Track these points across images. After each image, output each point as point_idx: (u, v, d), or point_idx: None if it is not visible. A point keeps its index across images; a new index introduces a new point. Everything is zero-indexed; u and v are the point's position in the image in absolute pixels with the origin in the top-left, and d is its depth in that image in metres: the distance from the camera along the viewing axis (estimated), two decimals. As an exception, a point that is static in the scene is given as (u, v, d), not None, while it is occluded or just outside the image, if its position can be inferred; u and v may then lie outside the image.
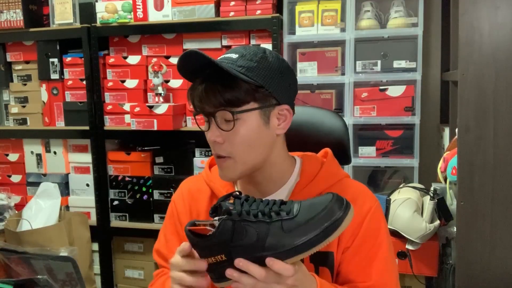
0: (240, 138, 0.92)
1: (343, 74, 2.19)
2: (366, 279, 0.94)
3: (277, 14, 2.18)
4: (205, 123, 0.97)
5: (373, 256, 0.95)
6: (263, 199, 0.82)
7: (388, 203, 1.97)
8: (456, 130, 1.48)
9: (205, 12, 2.24)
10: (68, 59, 2.44)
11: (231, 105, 0.90)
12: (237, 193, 0.83)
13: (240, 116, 0.91)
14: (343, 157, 1.17)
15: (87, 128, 2.41)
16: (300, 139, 1.08)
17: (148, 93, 2.39)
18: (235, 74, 0.88)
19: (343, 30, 2.17)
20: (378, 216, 0.99)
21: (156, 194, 2.40)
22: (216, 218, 0.78)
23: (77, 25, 2.40)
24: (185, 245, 0.82)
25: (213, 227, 0.78)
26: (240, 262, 0.77)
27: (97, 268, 2.52)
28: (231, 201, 0.81)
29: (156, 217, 2.41)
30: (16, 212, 2.41)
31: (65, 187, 2.51)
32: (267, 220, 0.77)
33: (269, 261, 0.76)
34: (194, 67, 0.92)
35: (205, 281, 0.82)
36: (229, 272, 0.78)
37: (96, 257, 2.51)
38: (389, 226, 1.86)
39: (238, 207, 0.78)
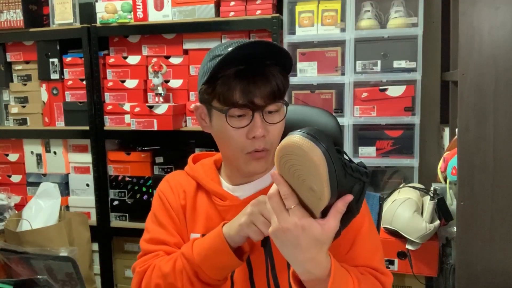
0: (279, 130, 0.96)
1: (343, 74, 2.19)
2: (351, 256, 0.95)
3: (277, 14, 2.18)
4: (236, 119, 0.93)
5: (356, 231, 0.96)
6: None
7: (381, 200, 1.97)
8: (456, 130, 1.48)
9: (205, 12, 2.24)
10: (68, 59, 2.44)
11: (281, 97, 0.94)
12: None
13: (283, 108, 0.96)
14: None
15: (87, 128, 2.41)
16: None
17: (148, 93, 2.39)
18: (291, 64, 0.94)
19: (343, 30, 2.17)
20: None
21: (156, 194, 2.40)
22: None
23: (77, 25, 2.40)
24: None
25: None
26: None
27: (97, 268, 2.51)
28: None
29: (156, 217, 2.41)
30: (16, 212, 2.41)
31: (65, 187, 2.51)
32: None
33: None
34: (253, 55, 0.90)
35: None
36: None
37: (96, 257, 2.51)
38: (389, 226, 1.86)
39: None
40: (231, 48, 0.89)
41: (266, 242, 0.98)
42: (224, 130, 0.94)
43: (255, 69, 0.91)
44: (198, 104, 1.02)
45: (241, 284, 0.99)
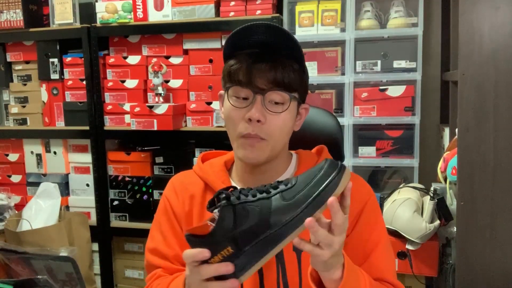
0: (281, 123, 0.93)
1: (343, 74, 2.19)
2: (367, 267, 0.95)
3: (277, 14, 2.18)
4: (239, 100, 0.94)
5: (373, 244, 0.98)
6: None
7: (381, 201, 1.98)
8: (456, 130, 1.48)
9: (205, 12, 2.24)
10: (68, 59, 2.44)
11: (286, 88, 0.92)
12: (234, 187, 0.81)
13: (289, 101, 0.93)
14: (336, 155, 1.18)
15: (87, 128, 2.41)
16: (293, 137, 1.08)
17: (148, 93, 2.39)
18: (304, 64, 0.95)
19: (343, 30, 2.17)
20: (376, 206, 1.02)
21: (156, 194, 2.40)
22: (215, 210, 0.76)
23: (77, 25, 2.40)
24: (187, 252, 0.76)
25: (213, 221, 0.75)
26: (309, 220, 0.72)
27: (97, 268, 2.51)
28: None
29: (156, 217, 2.41)
30: (16, 212, 2.41)
31: (65, 187, 2.51)
32: (266, 196, 0.75)
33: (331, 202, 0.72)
34: (264, 41, 0.92)
35: (234, 283, 0.75)
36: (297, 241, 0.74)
37: (96, 257, 2.50)
38: (389, 226, 1.86)
39: (236, 193, 0.77)
40: (241, 27, 0.91)
41: None
42: (227, 110, 0.96)
43: (266, 54, 0.91)
44: (222, 91, 1.02)
45: None
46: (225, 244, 0.74)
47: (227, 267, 0.74)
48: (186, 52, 2.35)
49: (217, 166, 1.06)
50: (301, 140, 1.13)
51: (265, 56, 0.91)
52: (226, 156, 1.09)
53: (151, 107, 2.27)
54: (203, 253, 0.74)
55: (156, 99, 2.31)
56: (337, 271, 0.80)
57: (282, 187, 0.76)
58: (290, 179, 0.78)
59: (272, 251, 0.75)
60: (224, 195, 0.76)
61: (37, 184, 2.41)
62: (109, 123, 2.42)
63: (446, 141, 2.12)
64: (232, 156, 1.07)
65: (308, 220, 0.71)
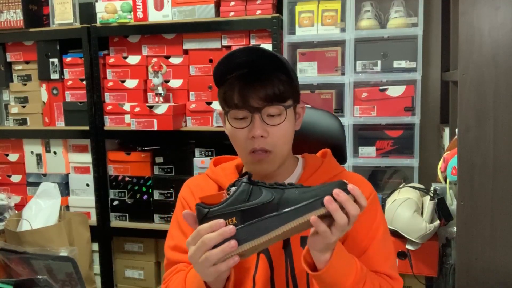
0: (283, 133, 0.98)
1: (343, 74, 2.19)
2: (364, 260, 0.98)
3: (277, 14, 2.18)
4: (239, 121, 0.98)
5: (370, 239, 1.01)
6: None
7: (383, 201, 1.98)
8: (456, 130, 1.48)
9: (205, 12, 2.24)
10: (68, 59, 2.45)
11: (279, 100, 0.96)
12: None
13: (285, 111, 0.97)
14: (338, 157, 1.20)
15: (87, 128, 2.41)
16: (298, 140, 1.10)
17: (148, 93, 2.39)
18: (292, 71, 0.97)
19: (343, 30, 2.17)
20: (376, 202, 1.06)
21: (156, 194, 2.40)
22: (233, 188, 0.82)
23: (77, 25, 2.40)
24: (203, 227, 0.79)
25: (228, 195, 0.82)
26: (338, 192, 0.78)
27: (97, 268, 2.52)
28: None
29: (156, 217, 2.41)
30: (16, 212, 2.41)
31: (65, 187, 2.51)
32: (282, 187, 0.82)
33: (351, 186, 0.78)
34: (245, 61, 0.96)
35: (234, 244, 0.78)
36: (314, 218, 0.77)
37: (96, 257, 2.51)
38: (389, 226, 1.86)
39: (257, 180, 0.84)
40: (225, 56, 0.96)
41: (287, 244, 1.01)
42: (231, 130, 1.01)
43: (255, 73, 0.96)
44: (220, 110, 1.07)
45: (262, 284, 1.02)
46: (232, 215, 0.79)
47: (230, 229, 0.77)
48: (186, 52, 2.35)
49: (228, 169, 1.12)
50: (304, 142, 1.15)
51: (254, 75, 0.96)
52: (237, 161, 1.15)
53: (151, 107, 2.27)
54: (219, 222, 0.78)
55: (156, 99, 2.31)
56: (330, 253, 0.85)
57: (298, 185, 0.83)
58: (306, 186, 0.84)
59: (271, 232, 0.78)
60: (246, 176, 0.83)
61: (37, 184, 2.41)
62: (109, 123, 2.42)
63: (446, 141, 2.12)
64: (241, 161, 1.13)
65: (327, 197, 0.77)
